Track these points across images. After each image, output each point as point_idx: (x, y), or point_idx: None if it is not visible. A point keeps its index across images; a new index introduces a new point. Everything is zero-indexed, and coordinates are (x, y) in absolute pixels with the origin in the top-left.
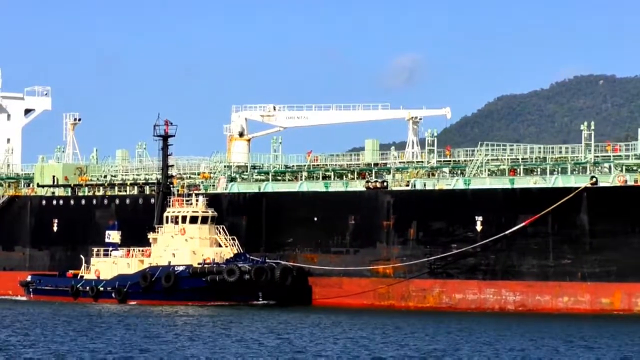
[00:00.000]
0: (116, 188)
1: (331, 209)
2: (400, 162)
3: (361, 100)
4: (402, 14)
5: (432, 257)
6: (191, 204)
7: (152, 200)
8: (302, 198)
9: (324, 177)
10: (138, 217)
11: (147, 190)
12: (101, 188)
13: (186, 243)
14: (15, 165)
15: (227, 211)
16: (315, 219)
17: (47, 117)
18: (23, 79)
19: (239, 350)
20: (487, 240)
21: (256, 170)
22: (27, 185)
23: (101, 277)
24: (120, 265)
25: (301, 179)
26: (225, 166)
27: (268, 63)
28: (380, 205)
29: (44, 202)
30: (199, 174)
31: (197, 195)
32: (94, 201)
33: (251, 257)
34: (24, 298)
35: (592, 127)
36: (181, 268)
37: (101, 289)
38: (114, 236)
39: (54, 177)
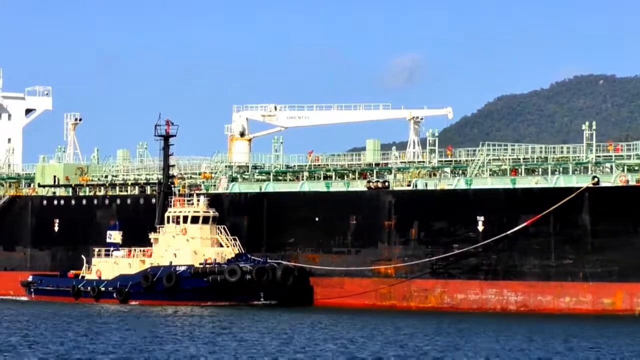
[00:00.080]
0: (117, 188)
1: (332, 209)
2: (401, 162)
3: (361, 100)
4: (402, 14)
5: (434, 257)
6: (192, 204)
7: (153, 200)
8: (303, 198)
9: (325, 177)
10: (139, 217)
11: (148, 190)
12: (102, 188)
13: (187, 243)
14: (16, 165)
15: (229, 211)
16: (317, 219)
17: (48, 117)
18: (24, 79)
19: (239, 351)
20: (489, 241)
21: (257, 170)
22: (28, 185)
23: (102, 277)
24: (121, 265)
25: (302, 179)
26: (226, 166)
27: (268, 63)
28: (382, 205)
29: (45, 202)
30: (200, 174)
31: (198, 195)
32: (95, 201)
33: (252, 257)
34: (25, 298)
35: (594, 127)
36: (182, 268)
37: (102, 289)
38: (115, 236)
39: (55, 177)
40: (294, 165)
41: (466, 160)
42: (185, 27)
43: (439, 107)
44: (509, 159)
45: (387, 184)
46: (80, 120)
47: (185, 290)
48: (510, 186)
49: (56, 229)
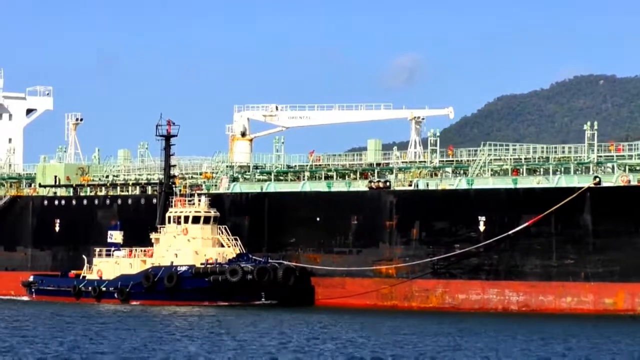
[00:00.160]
0: (118, 188)
1: (334, 209)
2: (402, 162)
3: (361, 100)
4: (402, 14)
5: (435, 257)
6: (193, 204)
7: (154, 201)
8: (304, 198)
9: (327, 177)
10: (140, 217)
11: (149, 190)
12: (103, 188)
13: (189, 243)
14: (17, 165)
15: (230, 211)
16: (318, 219)
17: (48, 117)
18: (25, 79)
19: (239, 351)
20: (490, 241)
21: (258, 170)
22: (29, 185)
23: (103, 278)
24: (122, 265)
25: (304, 179)
26: (227, 166)
27: (269, 63)
28: (383, 205)
29: (46, 202)
30: (201, 174)
31: (199, 195)
32: (96, 201)
33: (254, 257)
34: (26, 298)
35: (595, 127)
36: (184, 268)
37: (103, 289)
38: (116, 236)
39: (56, 177)
40: (295, 165)
41: (467, 160)
42: (186, 27)
43: (440, 107)
44: (511, 159)
45: (388, 184)
46: (81, 120)
47: (186, 291)
48: (511, 186)
49: (57, 229)
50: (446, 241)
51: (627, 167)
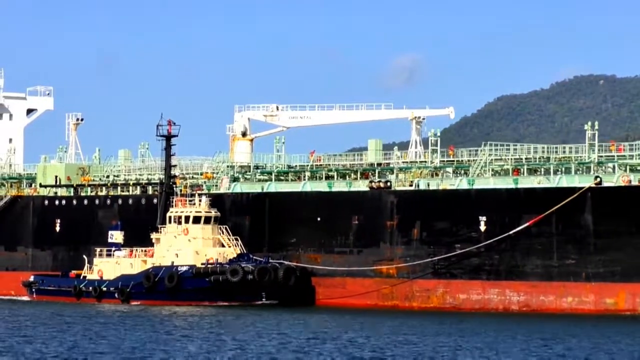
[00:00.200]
0: (119, 188)
1: (334, 209)
2: (403, 162)
3: (361, 100)
4: (402, 14)
5: (436, 257)
6: (194, 204)
7: (155, 201)
8: (305, 198)
9: (327, 177)
10: (141, 217)
11: (150, 190)
12: (104, 188)
13: (189, 243)
14: (17, 165)
15: (230, 211)
16: (319, 219)
17: (49, 117)
18: (25, 79)
19: (239, 351)
20: (491, 241)
21: (259, 170)
22: (29, 185)
23: (104, 278)
24: (123, 265)
25: (304, 179)
26: (228, 166)
27: (269, 63)
28: (384, 206)
29: (46, 202)
30: (201, 174)
31: (200, 195)
32: (97, 201)
33: (254, 257)
34: (26, 298)
35: (596, 127)
36: (184, 268)
37: (104, 289)
38: (116, 236)
39: (56, 177)
40: (296, 165)
41: (468, 160)
42: (186, 27)
43: (441, 107)
44: (511, 158)
45: (389, 184)
46: (82, 120)
47: (187, 291)
48: (512, 186)
49: (58, 229)
50: (447, 241)
51: (628, 167)
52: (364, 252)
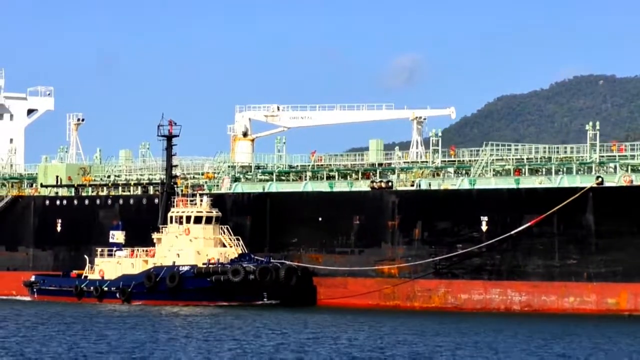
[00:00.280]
0: (120, 188)
1: (336, 209)
2: (404, 162)
3: (361, 100)
4: (402, 14)
5: (438, 257)
6: (195, 204)
7: (156, 201)
8: (306, 198)
9: (328, 177)
10: (142, 217)
11: (151, 190)
12: (105, 188)
13: (190, 243)
14: (18, 166)
15: (231, 211)
16: (320, 219)
17: (50, 117)
18: (26, 79)
19: (239, 351)
20: (493, 241)
21: (260, 171)
22: (30, 185)
23: (105, 277)
24: (124, 265)
25: (305, 179)
26: (229, 166)
27: (269, 63)
28: (385, 206)
29: (47, 202)
30: (202, 174)
31: (201, 195)
32: (98, 201)
33: (256, 257)
34: (27, 298)
35: (597, 127)
36: (186, 268)
37: (105, 289)
38: (118, 236)
39: (57, 177)
40: (297, 166)
41: (469, 160)
42: (186, 27)
43: (442, 107)
44: (513, 159)
45: (390, 184)
46: (83, 120)
47: (188, 290)
48: (514, 186)
49: (59, 229)
50: (448, 241)
51: (629, 167)
52: (366, 252)
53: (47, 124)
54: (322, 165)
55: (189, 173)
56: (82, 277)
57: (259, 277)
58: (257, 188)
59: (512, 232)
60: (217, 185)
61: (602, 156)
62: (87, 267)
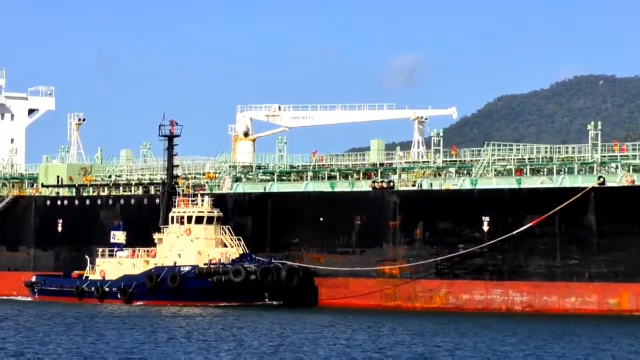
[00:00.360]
0: (121, 188)
1: (337, 209)
2: (406, 162)
3: (362, 100)
4: (402, 14)
5: (439, 258)
6: (196, 204)
7: (157, 201)
8: (307, 198)
9: (330, 177)
10: (143, 217)
11: (152, 190)
12: (106, 188)
13: (192, 243)
14: (19, 166)
15: (233, 211)
16: (321, 219)
17: (50, 117)
18: (26, 79)
19: (239, 350)
20: (494, 241)
21: (261, 170)
22: (31, 185)
23: (106, 278)
24: (125, 265)
25: (306, 179)
26: (230, 166)
27: (269, 63)
28: (387, 206)
29: (48, 202)
30: (204, 174)
31: (202, 195)
32: (99, 201)
33: (257, 257)
34: (28, 299)
35: (599, 127)
36: (187, 268)
37: (106, 289)
38: (119, 236)
39: (58, 177)
40: (298, 165)
41: (471, 160)
42: (186, 27)
43: (442, 107)
44: (514, 159)
45: (391, 184)
46: (84, 120)
47: (189, 291)
48: (515, 186)
49: (60, 229)
50: (450, 241)
51: (631, 167)
52: (367, 253)
53: (48, 123)
54: (323, 165)
55: (190, 173)
56: (83, 277)
57: (260, 277)
58: (258, 188)
59: (514, 232)
60: (218, 185)
61: (604, 156)
62: (88, 268)
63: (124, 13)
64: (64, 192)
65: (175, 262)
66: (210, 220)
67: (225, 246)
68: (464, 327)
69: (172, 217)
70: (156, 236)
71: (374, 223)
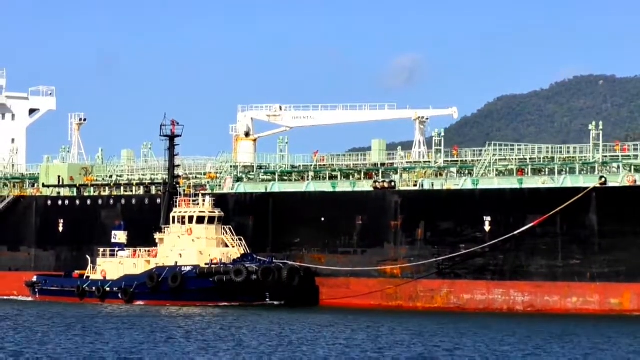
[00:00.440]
0: (122, 188)
1: (338, 209)
2: (407, 162)
3: (361, 100)
4: (402, 14)
5: (440, 258)
6: (198, 204)
7: (158, 201)
8: (309, 198)
9: (331, 177)
10: (144, 217)
11: (153, 190)
12: (107, 188)
13: (193, 243)
14: (20, 166)
15: (234, 211)
16: (323, 219)
17: (51, 117)
18: (26, 79)
19: (239, 350)
20: (496, 241)
21: (262, 171)
22: (32, 185)
23: (107, 278)
24: (126, 265)
25: (308, 179)
26: (231, 166)
27: (270, 63)
28: (388, 206)
29: (49, 202)
30: (205, 174)
31: (203, 195)
32: (100, 201)
33: (258, 257)
34: (29, 299)
35: (601, 127)
36: (188, 268)
37: (107, 289)
38: (120, 236)
39: (59, 177)
40: (299, 165)
41: (472, 160)
42: (186, 27)
43: (443, 107)
44: (516, 159)
45: (393, 184)
46: (85, 120)
47: (190, 291)
48: (517, 186)
49: (61, 229)
50: (451, 241)
51: (632, 167)
52: (368, 252)
53: (49, 123)
54: (324, 165)
55: (192, 173)
56: (84, 277)
57: (262, 277)
58: (259, 188)
59: (515, 232)
60: (220, 185)
61: (605, 156)
62: (89, 268)
63: (124, 13)
64: (65, 192)
65: (176, 262)
66: (211, 220)
67: (227, 246)
68: (463, 327)
69: (174, 217)
70: (157, 236)
71: (375, 223)
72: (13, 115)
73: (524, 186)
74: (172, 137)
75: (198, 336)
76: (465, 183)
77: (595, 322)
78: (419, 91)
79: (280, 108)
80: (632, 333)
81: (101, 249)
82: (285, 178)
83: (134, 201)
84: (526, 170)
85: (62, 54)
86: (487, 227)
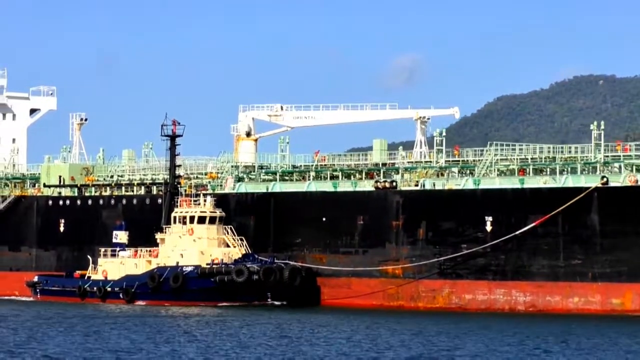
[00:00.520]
0: (123, 188)
1: (340, 209)
2: (408, 162)
3: (361, 100)
4: (402, 14)
5: (442, 258)
6: (199, 204)
7: (160, 201)
8: (310, 198)
9: (332, 177)
10: (145, 217)
11: (154, 190)
12: (108, 188)
13: (194, 243)
14: (21, 166)
15: (235, 211)
16: (324, 219)
17: (52, 117)
18: (27, 79)
19: (239, 350)
20: (497, 241)
21: (264, 170)
22: (33, 185)
23: (109, 278)
24: (127, 265)
25: (309, 179)
26: (232, 166)
27: (270, 63)
28: (389, 205)
29: (50, 202)
30: (206, 174)
31: (204, 195)
32: (101, 201)
33: (259, 257)
34: (30, 299)
35: (602, 127)
36: (189, 268)
37: (109, 289)
38: (121, 236)
39: (60, 177)
40: (301, 165)
41: (474, 160)
42: (186, 27)
43: (444, 107)
44: (517, 158)
45: (394, 184)
46: (86, 120)
47: (192, 291)
48: (518, 186)
49: (62, 229)
50: (453, 241)
51: (634, 167)
52: (370, 252)
53: (50, 123)
54: (325, 165)
55: (193, 173)
56: (85, 277)
57: (263, 277)
58: (260, 188)
59: (517, 232)
60: (221, 185)
61: (607, 156)
62: (90, 268)
63: (124, 13)
64: (66, 192)
65: (177, 262)
66: (212, 220)
67: (228, 246)
68: (464, 327)
69: (175, 217)
70: (158, 236)
71: (376, 223)
72: (14, 115)
73: (525, 186)
74: (173, 137)
75: (198, 336)
76: (466, 183)
77: (596, 322)
78: (419, 91)
79: (281, 108)
80: (632, 333)
81: (102, 249)
82: (287, 178)
83: (135, 201)
84: (527, 170)
85: (62, 54)
86: (488, 227)
